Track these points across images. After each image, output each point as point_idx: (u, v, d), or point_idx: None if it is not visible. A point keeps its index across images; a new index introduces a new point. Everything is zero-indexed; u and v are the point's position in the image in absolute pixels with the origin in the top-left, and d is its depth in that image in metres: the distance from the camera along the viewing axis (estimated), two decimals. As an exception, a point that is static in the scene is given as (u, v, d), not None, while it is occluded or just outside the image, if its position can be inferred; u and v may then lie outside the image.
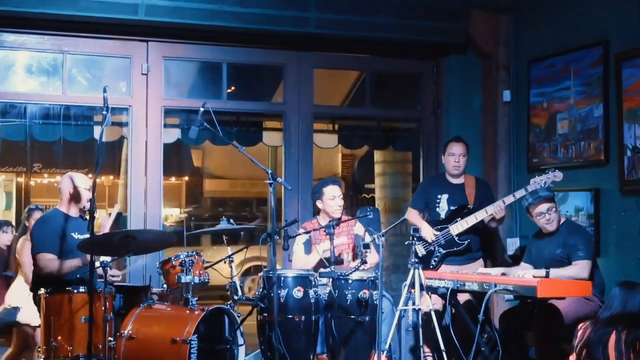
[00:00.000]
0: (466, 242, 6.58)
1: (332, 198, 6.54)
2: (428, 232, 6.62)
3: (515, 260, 7.01)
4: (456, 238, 6.56)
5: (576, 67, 7.17)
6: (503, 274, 6.05)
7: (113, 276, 6.03)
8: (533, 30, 7.77)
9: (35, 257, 5.90)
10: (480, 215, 6.51)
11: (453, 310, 6.30)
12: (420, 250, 6.59)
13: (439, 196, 6.78)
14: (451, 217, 6.64)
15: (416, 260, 5.85)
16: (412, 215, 6.86)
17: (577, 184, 7.01)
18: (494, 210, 6.44)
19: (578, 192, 7.03)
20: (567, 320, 5.69)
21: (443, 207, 6.74)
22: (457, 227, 6.55)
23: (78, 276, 5.79)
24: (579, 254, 5.88)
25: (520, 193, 6.38)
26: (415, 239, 5.91)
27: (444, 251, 6.58)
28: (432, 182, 7.08)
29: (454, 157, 6.74)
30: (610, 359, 4.48)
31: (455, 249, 6.58)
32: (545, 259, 6.06)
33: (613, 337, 4.52)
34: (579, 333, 4.74)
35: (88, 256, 5.46)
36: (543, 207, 6.09)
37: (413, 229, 6.18)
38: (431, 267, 6.55)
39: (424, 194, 6.98)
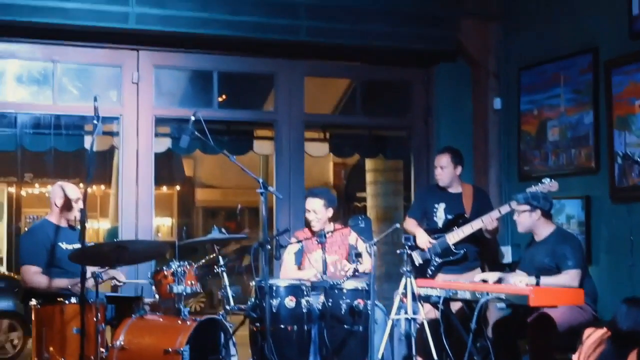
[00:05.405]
0: (462, 252, 6.57)
1: (307, 211, 6.52)
2: (424, 239, 6.61)
3: (512, 268, 6.99)
4: (452, 247, 6.55)
5: (566, 74, 7.17)
6: (500, 279, 6.05)
7: (119, 281, 6.05)
8: (523, 37, 7.78)
9: (20, 269, 5.88)
10: (477, 224, 6.48)
11: (445, 320, 6.29)
12: (417, 258, 6.58)
13: (435, 205, 6.78)
14: (448, 226, 6.63)
15: (408, 269, 5.82)
16: (410, 224, 6.84)
17: (568, 192, 6.99)
18: (488, 220, 6.43)
19: (569, 200, 7.03)
20: (561, 329, 5.66)
21: (440, 216, 6.74)
22: (454, 236, 6.54)
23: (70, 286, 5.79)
24: (568, 263, 5.84)
25: (514, 204, 6.34)
26: (407, 247, 5.87)
27: (440, 260, 6.57)
28: (429, 191, 7.06)
29: (436, 170, 6.78)
30: None
31: (451, 258, 6.56)
32: (534, 267, 6.03)
33: (634, 355, 4.41)
34: (588, 344, 4.65)
35: (77, 280, 5.42)
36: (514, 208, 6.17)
37: (405, 237, 6.10)
38: (428, 276, 6.55)
39: (421, 203, 6.99)
